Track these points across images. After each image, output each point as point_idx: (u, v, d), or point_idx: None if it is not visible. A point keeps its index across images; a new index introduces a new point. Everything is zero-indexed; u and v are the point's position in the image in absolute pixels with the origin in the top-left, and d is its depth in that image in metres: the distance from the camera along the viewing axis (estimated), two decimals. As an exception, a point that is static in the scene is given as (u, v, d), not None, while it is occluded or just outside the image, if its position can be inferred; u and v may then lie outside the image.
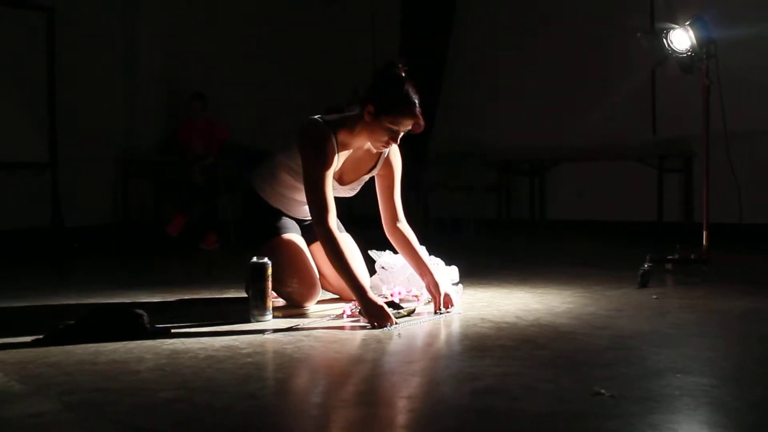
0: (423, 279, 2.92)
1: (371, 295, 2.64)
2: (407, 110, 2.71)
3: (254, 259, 2.71)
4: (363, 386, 1.91)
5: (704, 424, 1.57)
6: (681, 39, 3.69)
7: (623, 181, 6.92)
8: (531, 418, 1.60)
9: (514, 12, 7.70)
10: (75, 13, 6.55)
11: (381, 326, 2.54)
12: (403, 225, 3.00)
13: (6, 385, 1.90)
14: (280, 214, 3.08)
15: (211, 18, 7.49)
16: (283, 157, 2.97)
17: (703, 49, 3.65)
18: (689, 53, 3.70)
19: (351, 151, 2.92)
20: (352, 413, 1.67)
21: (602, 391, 1.73)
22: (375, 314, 2.57)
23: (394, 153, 3.01)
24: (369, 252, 3.22)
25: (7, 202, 6.08)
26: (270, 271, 2.69)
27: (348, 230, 3.19)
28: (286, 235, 3.00)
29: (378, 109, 2.72)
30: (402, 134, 2.77)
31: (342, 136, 2.85)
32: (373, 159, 2.99)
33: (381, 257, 3.21)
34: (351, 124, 2.85)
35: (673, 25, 3.71)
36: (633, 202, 6.77)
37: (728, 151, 3.79)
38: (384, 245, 3.21)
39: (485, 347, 2.28)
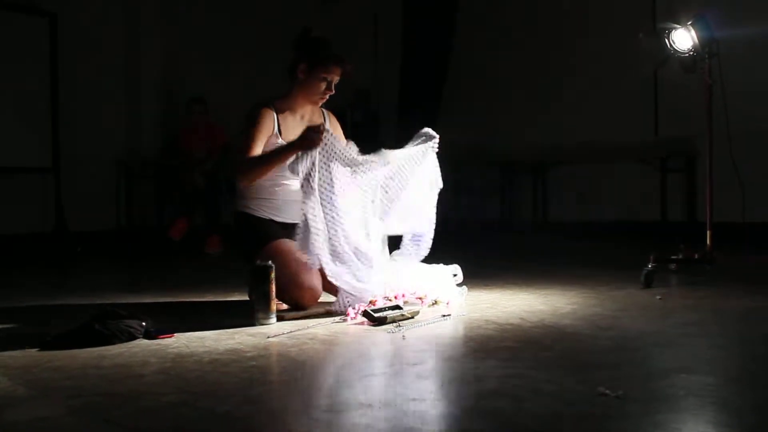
0: None
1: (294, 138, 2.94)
2: (336, 59, 3.07)
3: (257, 262, 2.72)
4: (367, 389, 1.91)
5: (709, 424, 1.57)
6: (683, 39, 3.69)
7: (626, 181, 6.91)
8: (536, 420, 1.60)
9: (517, 12, 7.70)
10: (77, 19, 6.57)
11: (313, 144, 2.82)
12: None
13: (11, 389, 1.91)
14: (270, 223, 3.11)
15: (211, 21, 7.49)
16: None
17: (706, 48, 3.65)
18: (691, 53, 3.69)
19: (297, 117, 3.17)
20: (357, 416, 1.66)
21: (607, 391, 1.73)
22: (306, 140, 2.84)
23: (336, 124, 3.31)
24: None
25: (10, 207, 6.09)
26: (273, 274, 2.69)
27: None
28: (280, 241, 3.02)
29: (310, 65, 3.06)
30: (334, 83, 3.09)
31: (280, 103, 3.15)
32: (320, 120, 3.23)
33: None
34: (286, 91, 3.17)
35: (675, 25, 3.71)
36: (636, 202, 6.76)
37: (731, 151, 3.78)
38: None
39: (489, 348, 2.27)
